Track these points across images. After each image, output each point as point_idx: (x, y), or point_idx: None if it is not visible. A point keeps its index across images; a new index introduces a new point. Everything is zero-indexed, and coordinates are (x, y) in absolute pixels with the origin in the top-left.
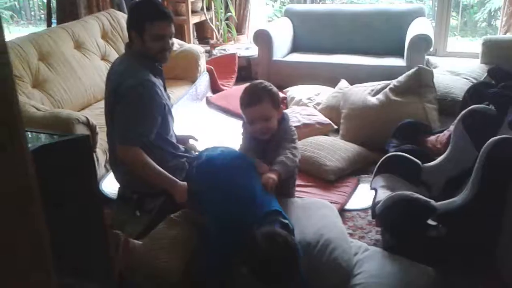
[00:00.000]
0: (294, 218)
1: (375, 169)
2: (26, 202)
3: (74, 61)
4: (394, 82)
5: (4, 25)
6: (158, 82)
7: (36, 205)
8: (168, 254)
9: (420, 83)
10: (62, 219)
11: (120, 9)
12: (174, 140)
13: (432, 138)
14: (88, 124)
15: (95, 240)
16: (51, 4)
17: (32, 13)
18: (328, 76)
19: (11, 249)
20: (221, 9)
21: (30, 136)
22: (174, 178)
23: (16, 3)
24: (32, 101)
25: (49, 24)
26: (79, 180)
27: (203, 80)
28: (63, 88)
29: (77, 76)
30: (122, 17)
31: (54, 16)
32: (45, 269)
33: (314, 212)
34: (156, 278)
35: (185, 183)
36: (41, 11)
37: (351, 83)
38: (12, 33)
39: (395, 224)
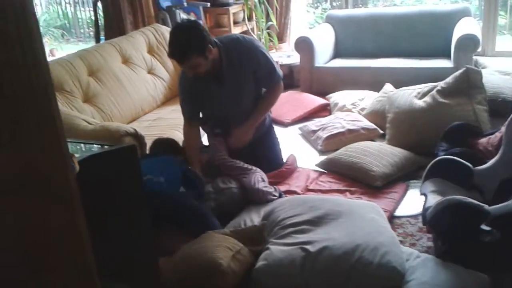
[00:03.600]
0: (341, 219)
1: (424, 173)
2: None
3: (122, 75)
4: (441, 84)
5: (56, 43)
6: (195, 80)
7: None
8: (213, 248)
9: (468, 84)
10: (109, 224)
11: (164, 23)
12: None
13: (483, 140)
14: (136, 135)
15: (140, 244)
16: (99, 22)
17: (82, 30)
18: (372, 81)
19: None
20: (262, 18)
21: (82, 147)
22: (194, 162)
23: (66, 22)
24: (83, 115)
25: (97, 40)
26: (126, 187)
27: None
28: (112, 102)
29: (125, 90)
30: (166, 31)
31: (102, 33)
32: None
33: (362, 215)
34: (202, 269)
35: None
36: (90, 28)
37: (396, 87)
38: (63, 51)
39: (446, 230)
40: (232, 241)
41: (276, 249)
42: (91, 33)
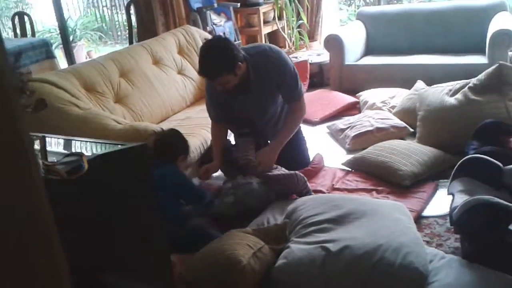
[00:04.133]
0: (364, 219)
1: (453, 172)
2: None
3: (152, 76)
4: (473, 81)
5: (93, 46)
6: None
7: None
8: (234, 245)
9: (501, 80)
10: (120, 222)
11: (195, 24)
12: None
13: None
14: None
15: (154, 242)
16: (132, 23)
17: (118, 33)
18: (404, 78)
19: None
20: (292, 17)
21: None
22: (217, 157)
23: (103, 24)
24: (114, 116)
25: (131, 42)
26: (137, 185)
27: None
28: (143, 102)
29: (156, 90)
30: (196, 32)
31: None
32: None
33: (387, 215)
34: (222, 266)
35: (216, 164)
36: (126, 31)
37: (429, 84)
38: (101, 52)
39: (473, 231)
40: (254, 239)
41: (297, 248)
42: (128, 35)
